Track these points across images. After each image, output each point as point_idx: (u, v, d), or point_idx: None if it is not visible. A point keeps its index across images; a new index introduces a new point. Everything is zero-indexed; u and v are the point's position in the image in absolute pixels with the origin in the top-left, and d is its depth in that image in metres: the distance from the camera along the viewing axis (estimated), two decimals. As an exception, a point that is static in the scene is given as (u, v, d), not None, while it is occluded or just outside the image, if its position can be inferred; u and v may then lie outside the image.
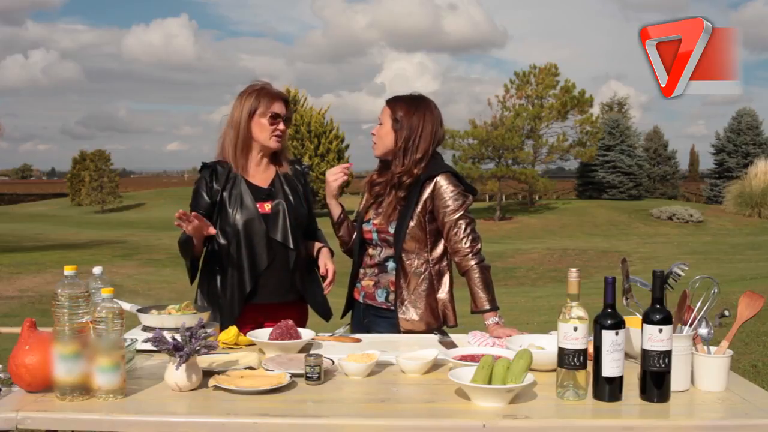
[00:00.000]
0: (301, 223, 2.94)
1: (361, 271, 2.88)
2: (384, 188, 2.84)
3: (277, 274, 2.86)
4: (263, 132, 2.86)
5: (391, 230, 2.76)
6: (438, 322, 2.76)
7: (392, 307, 2.76)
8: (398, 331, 2.73)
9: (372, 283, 2.83)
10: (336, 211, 2.98)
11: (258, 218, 2.84)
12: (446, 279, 2.79)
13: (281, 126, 2.88)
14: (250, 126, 2.86)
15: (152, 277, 13.49)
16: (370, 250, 2.85)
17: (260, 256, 2.83)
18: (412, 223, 2.73)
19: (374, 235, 2.81)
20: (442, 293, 2.77)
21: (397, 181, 2.77)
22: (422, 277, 2.75)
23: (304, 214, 2.97)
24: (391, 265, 2.79)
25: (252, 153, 2.91)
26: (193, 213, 2.74)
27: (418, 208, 2.74)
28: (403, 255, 2.74)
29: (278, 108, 2.88)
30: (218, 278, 2.88)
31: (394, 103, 2.82)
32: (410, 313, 2.73)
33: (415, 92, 2.86)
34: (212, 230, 2.74)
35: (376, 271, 2.82)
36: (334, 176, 2.87)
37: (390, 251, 2.78)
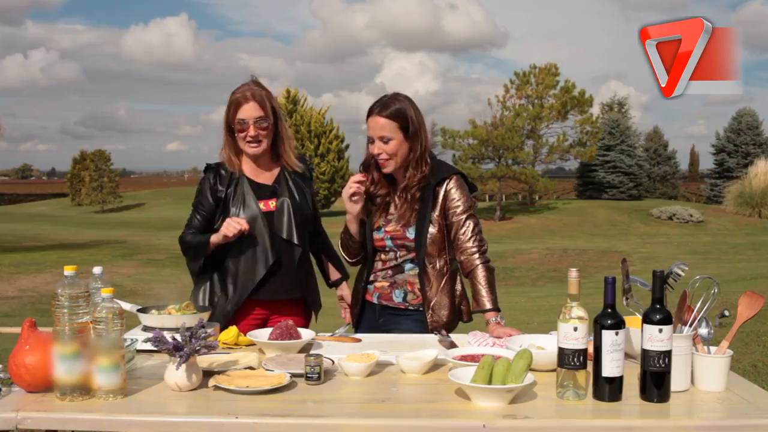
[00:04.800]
0: (308, 221, 2.93)
1: (372, 275, 2.86)
2: (384, 198, 2.82)
3: (281, 272, 2.86)
4: (239, 140, 2.85)
5: (409, 235, 2.75)
6: (458, 317, 2.81)
7: (410, 308, 2.78)
8: (423, 329, 2.74)
9: (387, 284, 2.82)
10: (356, 230, 2.84)
11: (261, 217, 2.83)
12: (458, 275, 2.83)
13: (251, 131, 2.80)
14: (228, 136, 2.87)
15: (152, 277, 13.50)
16: (383, 256, 2.83)
17: (264, 254, 2.83)
18: (432, 229, 2.74)
19: (387, 242, 2.79)
20: (458, 289, 2.83)
21: (413, 185, 2.74)
22: (445, 278, 2.77)
23: (310, 212, 2.96)
24: (409, 266, 2.79)
25: (243, 156, 2.91)
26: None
27: (436, 213, 2.74)
28: (425, 259, 2.75)
29: (245, 113, 2.79)
30: (221, 275, 2.88)
31: (395, 114, 2.68)
32: (437, 314, 2.75)
33: (387, 94, 2.76)
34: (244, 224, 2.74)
35: (391, 273, 2.82)
36: (352, 198, 2.75)
37: (407, 254, 2.78)
